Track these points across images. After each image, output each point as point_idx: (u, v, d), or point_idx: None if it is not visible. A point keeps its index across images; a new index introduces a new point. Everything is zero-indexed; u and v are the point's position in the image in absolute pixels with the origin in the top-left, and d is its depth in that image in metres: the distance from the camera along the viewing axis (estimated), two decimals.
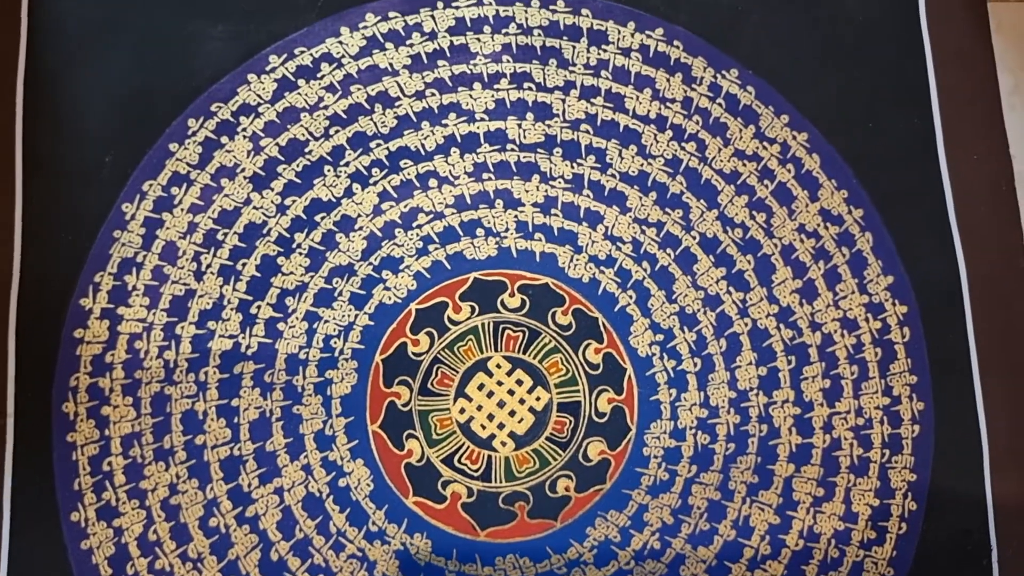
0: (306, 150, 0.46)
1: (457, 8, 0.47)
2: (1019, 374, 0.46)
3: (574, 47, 0.47)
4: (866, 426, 0.45)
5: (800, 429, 0.45)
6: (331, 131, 0.46)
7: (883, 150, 0.48)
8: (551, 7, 0.48)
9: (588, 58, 0.47)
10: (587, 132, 0.47)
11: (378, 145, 0.46)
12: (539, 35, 0.47)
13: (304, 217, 0.45)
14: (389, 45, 0.47)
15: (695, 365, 0.45)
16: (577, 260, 0.46)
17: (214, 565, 0.43)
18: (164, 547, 0.43)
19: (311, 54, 0.47)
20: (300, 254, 0.45)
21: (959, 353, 0.46)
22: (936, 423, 0.46)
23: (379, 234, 0.46)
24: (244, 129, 0.46)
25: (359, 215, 0.46)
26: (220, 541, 0.43)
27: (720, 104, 0.48)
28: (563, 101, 0.47)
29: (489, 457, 0.45)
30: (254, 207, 0.45)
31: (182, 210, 0.45)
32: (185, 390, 0.44)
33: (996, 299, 0.46)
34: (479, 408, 0.45)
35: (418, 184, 0.46)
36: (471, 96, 0.47)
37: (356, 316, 0.45)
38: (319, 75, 0.46)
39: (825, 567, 0.45)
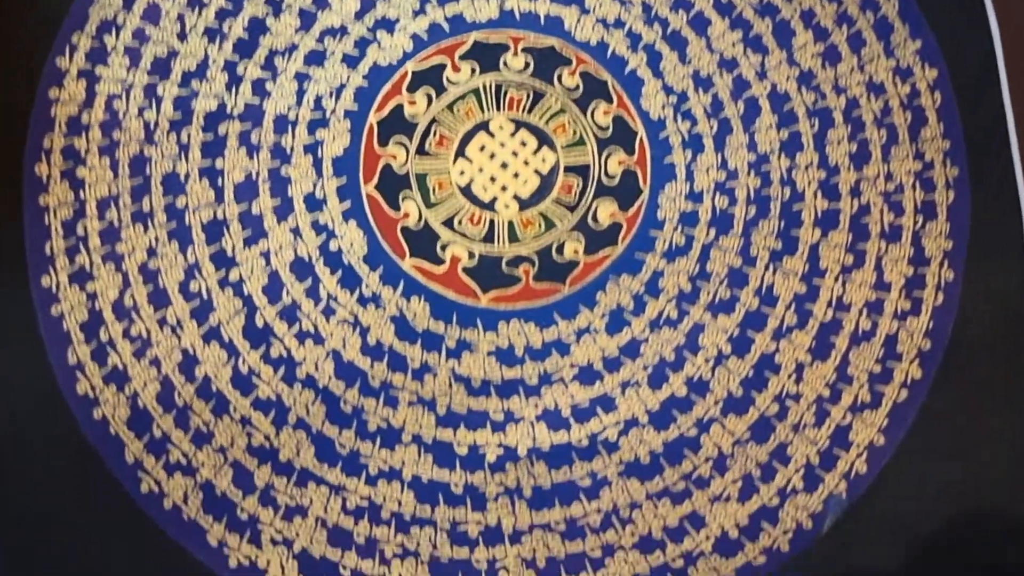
0: None
1: None
2: None
3: None
4: (897, 191, 0.42)
5: (826, 193, 0.42)
6: None
7: None
8: None
9: None
10: None
11: None
12: None
13: None
14: None
15: (711, 128, 0.42)
16: (584, 21, 0.43)
17: (194, 330, 0.40)
18: (141, 312, 0.40)
19: None
20: (290, 14, 0.42)
21: (995, 117, 0.43)
22: (972, 189, 0.42)
23: None
24: None
25: None
26: (201, 306, 0.40)
27: None
28: None
29: (491, 219, 0.41)
30: None
31: None
32: (166, 151, 0.41)
33: None
34: (480, 170, 0.42)
35: None
36: None
37: (349, 76, 0.42)
38: None
39: (856, 338, 0.41)
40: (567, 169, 0.42)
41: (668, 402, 0.40)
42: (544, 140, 0.42)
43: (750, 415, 0.41)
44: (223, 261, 0.41)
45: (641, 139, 0.42)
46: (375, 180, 0.41)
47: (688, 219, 0.42)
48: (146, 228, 0.41)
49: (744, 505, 0.40)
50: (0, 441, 0.39)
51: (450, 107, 0.42)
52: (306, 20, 0.43)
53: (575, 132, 0.42)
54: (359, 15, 0.43)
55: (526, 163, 0.42)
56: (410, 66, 0.42)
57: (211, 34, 0.42)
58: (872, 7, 0.44)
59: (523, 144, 0.42)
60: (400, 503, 0.40)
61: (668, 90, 0.43)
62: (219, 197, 0.41)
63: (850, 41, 0.43)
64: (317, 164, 0.41)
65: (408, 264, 0.41)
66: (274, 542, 0.39)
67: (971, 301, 0.42)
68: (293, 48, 0.42)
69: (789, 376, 0.41)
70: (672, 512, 0.40)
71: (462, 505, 0.40)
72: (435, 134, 0.42)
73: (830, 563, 0.40)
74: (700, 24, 0.43)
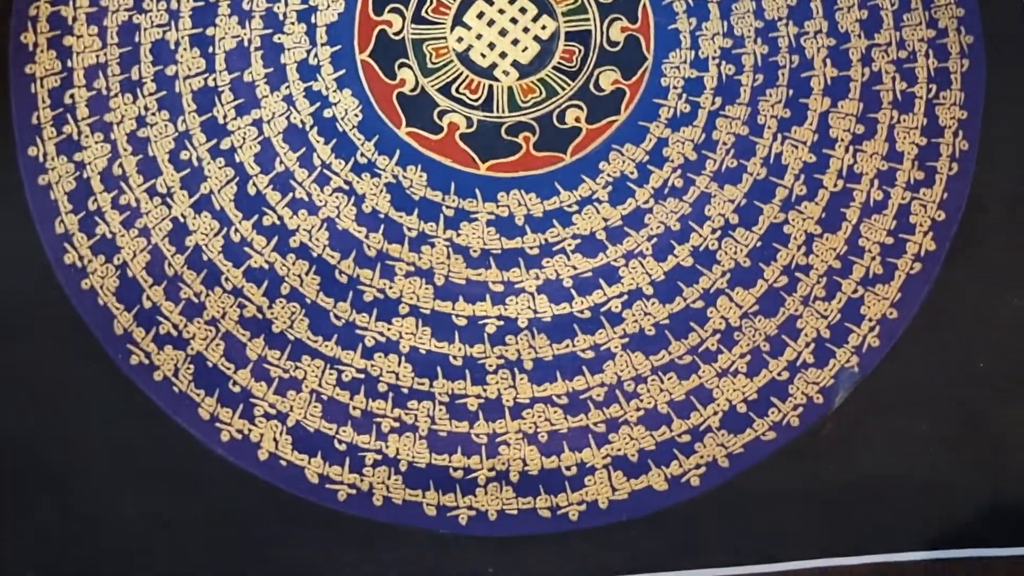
0: None
1: None
2: None
3: None
4: (909, 59, 0.41)
5: (835, 61, 0.41)
6: None
7: None
8: None
9: None
10: None
11: None
12: None
13: None
14: None
15: None
16: None
17: (185, 200, 0.39)
18: (130, 181, 0.39)
19: None
20: None
21: None
22: (987, 58, 0.41)
23: None
24: None
25: None
26: (192, 175, 0.39)
27: None
28: None
29: (490, 87, 0.40)
30: None
31: None
32: (155, 19, 0.40)
33: None
34: (479, 37, 0.40)
35: None
36: None
37: None
38: None
39: (868, 210, 0.40)
40: (568, 36, 0.41)
41: (673, 273, 0.39)
42: (544, 7, 0.41)
43: (758, 287, 0.39)
44: (215, 130, 0.39)
45: (644, 5, 0.41)
46: (370, 47, 0.40)
47: (693, 87, 0.40)
48: (135, 97, 0.39)
49: (752, 380, 0.39)
50: None
51: None
52: None
53: None
54: None
55: (525, 30, 0.40)
56: None
57: None
58: None
59: (522, 11, 0.41)
60: (397, 376, 0.38)
61: None
62: (210, 65, 0.40)
63: None
64: (311, 31, 0.40)
65: (404, 132, 0.40)
66: (267, 416, 0.38)
67: (987, 172, 0.40)
68: None
69: (798, 248, 0.40)
70: (678, 386, 0.39)
71: (461, 378, 0.39)
72: (432, 1, 0.41)
73: (841, 438, 0.39)
74: None
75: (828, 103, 0.40)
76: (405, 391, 0.38)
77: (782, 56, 0.41)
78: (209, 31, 0.40)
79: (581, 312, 0.39)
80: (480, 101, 0.40)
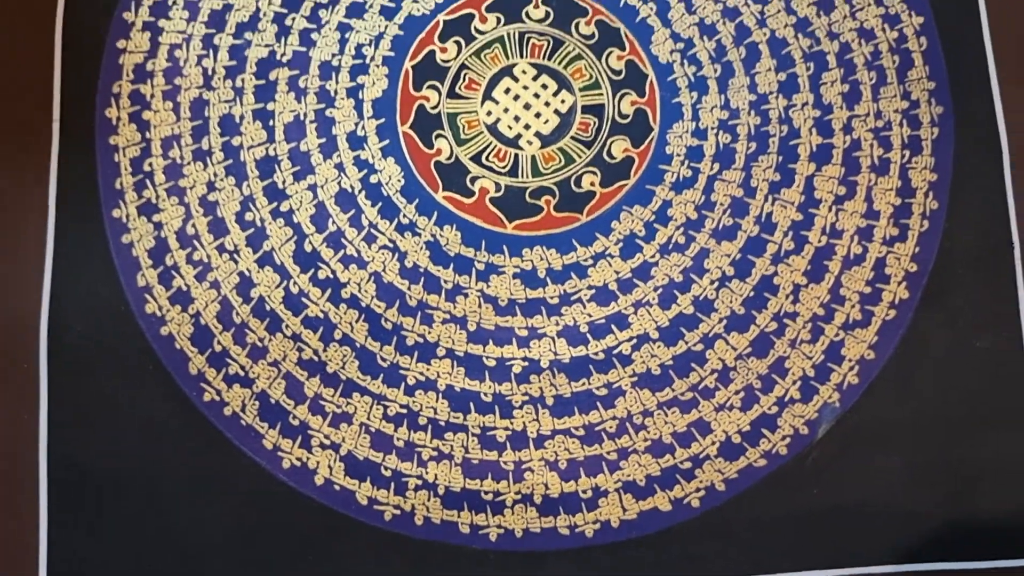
0: None
1: None
2: None
3: None
4: (886, 128, 0.46)
5: (820, 130, 0.46)
6: None
7: None
8: None
9: None
10: None
11: None
12: None
13: None
14: None
15: (715, 71, 0.46)
16: None
17: (250, 256, 0.45)
18: (202, 239, 0.44)
19: None
20: None
21: (977, 61, 0.47)
22: (956, 126, 0.46)
23: None
24: None
25: None
26: (256, 234, 0.45)
27: None
28: None
29: (516, 155, 0.46)
30: None
31: None
32: (223, 95, 0.45)
33: (1012, 5, 0.47)
34: (506, 110, 0.46)
35: None
36: None
37: (386, 26, 0.46)
38: None
39: (848, 262, 0.45)
40: (584, 109, 0.46)
41: (676, 320, 0.45)
42: (563, 83, 0.46)
43: (751, 332, 0.45)
44: (275, 194, 0.45)
45: (651, 81, 0.46)
46: (411, 120, 0.46)
47: (694, 154, 0.46)
48: (205, 165, 0.45)
49: (746, 413, 0.44)
50: (79, 355, 0.44)
51: (478, 54, 0.46)
52: None
53: (591, 76, 0.46)
54: None
55: (547, 104, 0.46)
56: (442, 17, 0.47)
57: None
58: None
59: (544, 87, 0.46)
60: (435, 411, 0.44)
61: (676, 37, 0.47)
62: (271, 136, 0.45)
63: None
64: (358, 106, 0.46)
65: (441, 196, 0.45)
66: (323, 446, 0.44)
67: (956, 228, 0.46)
68: (336, 1, 0.47)
69: (787, 297, 0.45)
70: (681, 419, 0.44)
71: (491, 412, 0.44)
72: (465, 78, 0.46)
73: (824, 465, 0.44)
74: None
75: (813, 168, 0.46)
76: (442, 424, 0.44)
77: (773, 126, 0.46)
78: (270, 106, 0.46)
79: (596, 354, 0.44)
80: (507, 168, 0.46)
